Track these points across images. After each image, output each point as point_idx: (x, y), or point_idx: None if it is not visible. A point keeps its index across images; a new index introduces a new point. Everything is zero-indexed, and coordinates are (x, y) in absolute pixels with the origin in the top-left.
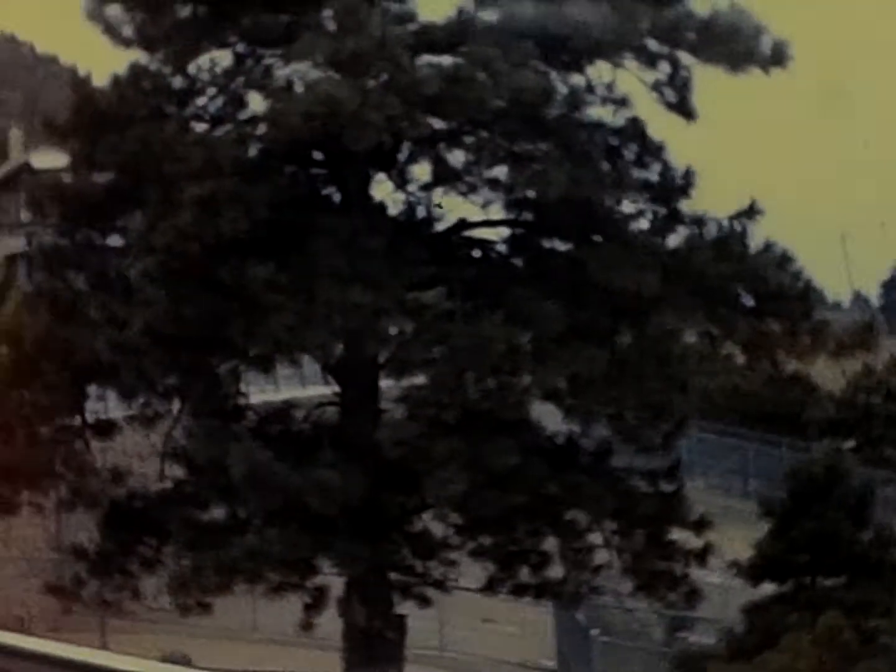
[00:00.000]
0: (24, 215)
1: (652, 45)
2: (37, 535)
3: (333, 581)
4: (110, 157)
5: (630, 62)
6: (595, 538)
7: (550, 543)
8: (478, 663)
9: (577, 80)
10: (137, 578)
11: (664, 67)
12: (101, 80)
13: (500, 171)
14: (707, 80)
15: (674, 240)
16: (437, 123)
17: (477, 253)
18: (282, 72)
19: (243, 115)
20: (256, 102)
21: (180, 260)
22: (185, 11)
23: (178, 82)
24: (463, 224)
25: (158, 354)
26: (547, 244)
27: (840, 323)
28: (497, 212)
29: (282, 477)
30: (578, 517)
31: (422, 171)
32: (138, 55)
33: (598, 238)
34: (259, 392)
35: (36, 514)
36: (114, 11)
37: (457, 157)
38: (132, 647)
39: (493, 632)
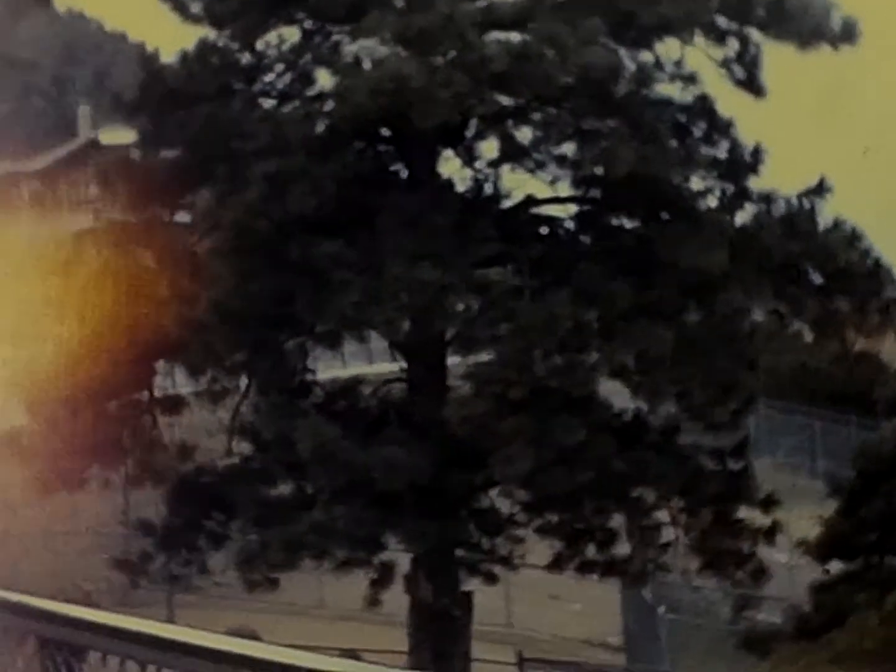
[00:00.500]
0: (93, 192)
1: (721, 21)
2: (105, 510)
3: (400, 557)
4: (178, 133)
5: (699, 39)
6: (662, 516)
7: (617, 521)
8: (544, 640)
9: (645, 56)
10: (204, 553)
11: (733, 44)
12: (169, 57)
13: (568, 148)
14: (776, 56)
15: (742, 217)
16: (505, 100)
17: (544, 230)
18: (350, 48)
19: (311, 92)
20: (324, 79)
21: (248, 236)
22: None
23: (246, 59)
24: (530, 201)
25: (226, 331)
26: (614, 221)
27: None
28: (565, 188)
29: (349, 453)
30: (645, 494)
31: (489, 147)
32: (207, 32)
33: (665, 215)
34: (326, 368)
35: (104, 489)
36: None
37: (524, 134)
38: (199, 622)
39: (560, 609)
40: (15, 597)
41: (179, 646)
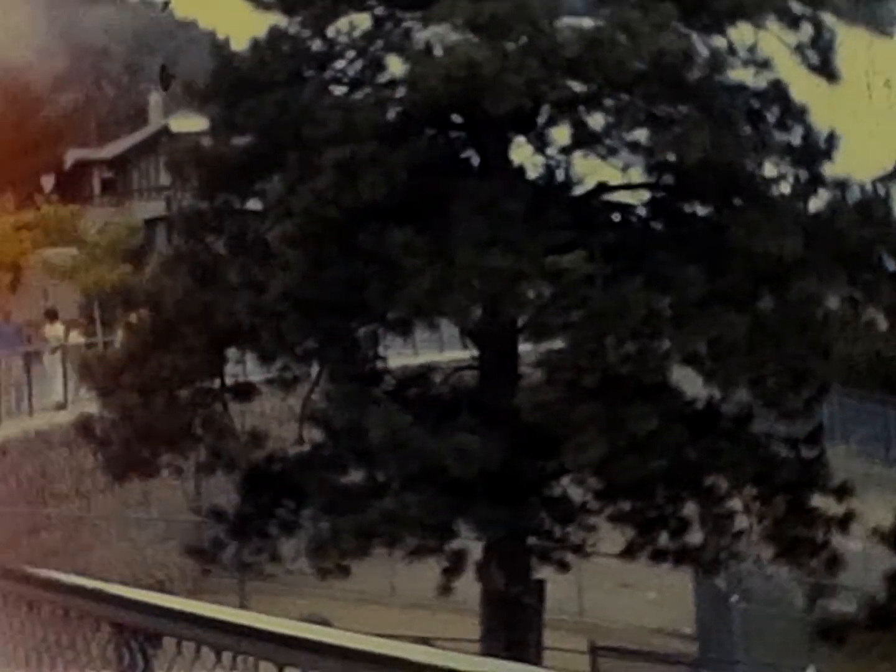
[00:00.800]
0: (164, 179)
1: (795, 6)
2: (176, 497)
3: (472, 545)
4: (249, 120)
5: (772, 24)
6: (735, 504)
7: (690, 509)
8: (617, 629)
9: (718, 42)
10: (276, 541)
11: (807, 29)
12: (239, 44)
13: (641, 134)
14: (851, 42)
15: (816, 203)
16: (577, 86)
17: (616, 217)
18: (421, 35)
19: (382, 79)
20: (395, 66)
21: (319, 224)
22: None
23: (317, 46)
24: (602, 187)
25: (297, 318)
26: (687, 208)
27: None
28: (637, 175)
29: (420, 441)
30: (719, 483)
31: (561, 134)
32: (277, 19)
33: (739, 202)
34: (397, 356)
35: (175, 477)
36: None
37: (596, 120)
38: (270, 609)
39: (633, 598)
40: (90, 583)
41: (255, 632)
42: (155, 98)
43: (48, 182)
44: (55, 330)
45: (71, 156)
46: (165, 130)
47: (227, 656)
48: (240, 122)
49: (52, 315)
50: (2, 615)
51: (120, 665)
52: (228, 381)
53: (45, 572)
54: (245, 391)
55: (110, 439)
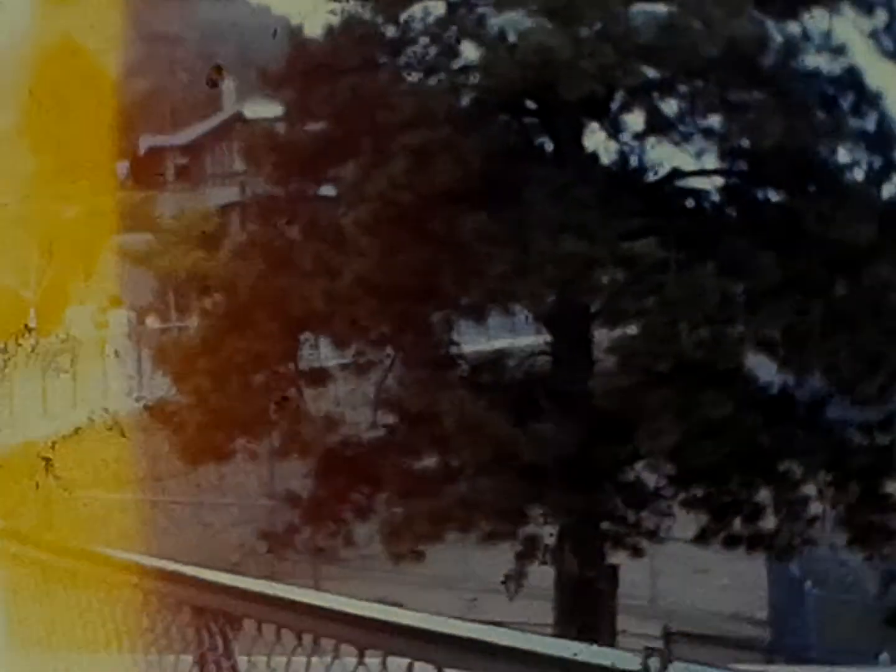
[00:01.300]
0: (238, 165)
1: None
2: (250, 481)
3: (545, 530)
4: (323, 106)
5: (847, 9)
6: (809, 490)
7: (764, 495)
8: (690, 615)
9: (792, 28)
10: (350, 526)
11: (882, 15)
12: (313, 30)
13: (715, 120)
14: None
15: (890, 189)
16: (651, 72)
17: (690, 203)
18: (495, 21)
19: (456, 65)
20: (469, 52)
21: (393, 209)
22: None
23: (390, 32)
24: (676, 173)
25: (371, 303)
26: (761, 194)
27: None
28: (711, 161)
29: (494, 426)
30: (792, 468)
31: (635, 120)
32: (352, 5)
33: (813, 188)
34: (470, 342)
35: (249, 461)
36: None
37: (670, 106)
38: (344, 593)
39: (706, 583)
40: (170, 566)
41: (336, 614)
42: (229, 84)
43: (122, 168)
44: (119, 316)
45: (145, 142)
46: (239, 116)
47: (308, 638)
48: (314, 108)
49: (114, 301)
50: (82, 597)
51: (200, 647)
52: (303, 365)
53: (125, 555)
54: (319, 376)
55: (185, 424)
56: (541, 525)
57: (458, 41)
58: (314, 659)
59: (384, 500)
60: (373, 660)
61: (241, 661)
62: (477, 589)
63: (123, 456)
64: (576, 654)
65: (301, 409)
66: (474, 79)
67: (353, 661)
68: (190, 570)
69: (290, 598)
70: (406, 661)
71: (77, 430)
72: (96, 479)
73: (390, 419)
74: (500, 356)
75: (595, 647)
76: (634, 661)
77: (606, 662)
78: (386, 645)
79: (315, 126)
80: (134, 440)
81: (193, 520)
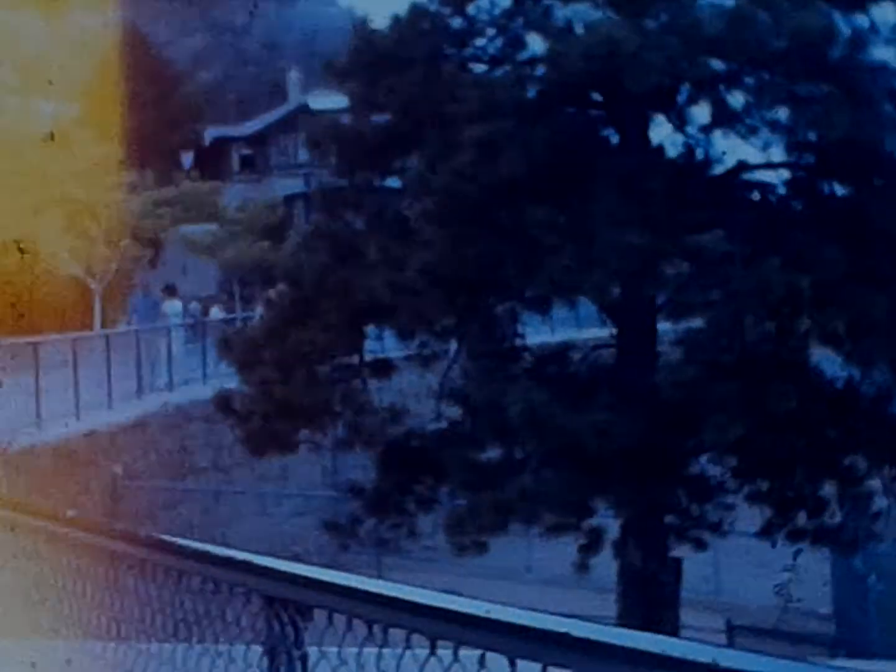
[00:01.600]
0: (302, 156)
1: None
2: (313, 472)
3: (609, 523)
4: (389, 98)
5: None
6: (874, 484)
7: (828, 489)
8: (753, 609)
9: (860, 20)
10: (414, 517)
11: None
12: (379, 21)
13: (781, 113)
14: None
15: None
16: (718, 64)
17: (756, 196)
18: (561, 12)
19: (522, 57)
20: (536, 43)
21: (458, 201)
22: None
23: (457, 23)
24: (742, 166)
25: (436, 295)
26: (827, 187)
27: None
28: (777, 154)
29: (559, 418)
30: (857, 463)
31: (701, 112)
32: None
33: (879, 182)
34: (534, 334)
35: (313, 453)
36: None
37: (736, 99)
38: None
39: (770, 577)
40: (240, 555)
41: (407, 604)
42: (294, 75)
43: (188, 159)
44: (173, 306)
45: (210, 133)
46: (304, 108)
47: (378, 628)
48: (380, 100)
49: (170, 291)
50: (152, 586)
51: (270, 637)
52: (367, 357)
53: (195, 544)
54: (384, 367)
55: (249, 414)
56: (604, 517)
57: (525, 33)
58: (385, 650)
59: (448, 492)
60: (445, 651)
61: (312, 651)
62: (539, 581)
63: (187, 445)
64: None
65: (365, 400)
66: (540, 70)
67: (424, 652)
68: (261, 560)
69: (362, 588)
70: (478, 651)
71: (142, 419)
72: (159, 468)
73: (454, 411)
74: (564, 348)
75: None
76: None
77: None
78: (458, 635)
79: (380, 117)
80: (198, 430)
81: (257, 510)
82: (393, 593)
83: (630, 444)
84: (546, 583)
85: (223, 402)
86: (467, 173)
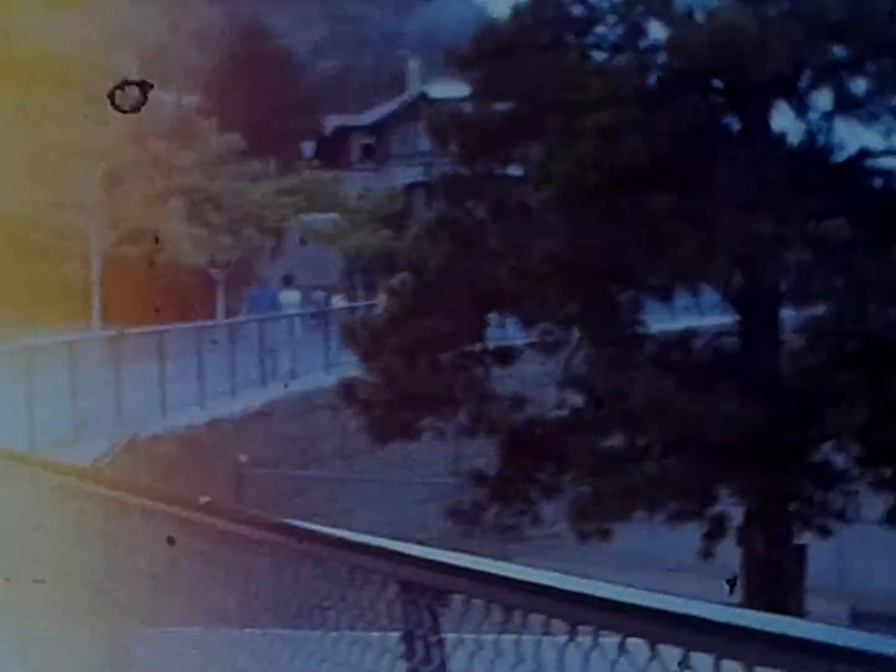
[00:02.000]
0: (422, 145)
1: None
2: (436, 460)
3: (732, 510)
4: (510, 86)
5: None
6: None
7: None
8: (878, 597)
9: None
10: (537, 504)
11: None
12: (498, 9)
13: None
14: None
15: None
16: (839, 50)
17: (878, 182)
18: (682, 0)
19: (643, 44)
20: (656, 30)
21: (581, 189)
22: None
23: (578, 11)
24: (864, 153)
25: (559, 283)
26: None
27: None
28: None
29: (682, 405)
30: None
31: (822, 98)
32: None
33: None
34: (656, 321)
35: (436, 440)
36: None
37: (858, 85)
38: None
39: (894, 564)
40: (376, 540)
41: (548, 590)
42: (413, 64)
43: (308, 148)
44: (291, 296)
45: (330, 122)
46: (423, 97)
47: (517, 614)
48: (501, 88)
49: (287, 281)
50: (288, 571)
51: (406, 623)
52: (489, 345)
53: (330, 530)
54: (506, 355)
55: (373, 402)
56: (728, 505)
57: (645, 20)
58: (523, 636)
59: (571, 479)
60: (583, 638)
61: (449, 637)
62: (662, 568)
63: (311, 433)
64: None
65: (488, 388)
66: (661, 58)
67: (563, 638)
68: (397, 545)
69: (500, 574)
70: (617, 638)
71: (266, 408)
72: (285, 456)
73: (577, 398)
74: (687, 336)
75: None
76: None
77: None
78: (598, 621)
79: (502, 105)
80: (321, 418)
81: (380, 498)
82: (532, 578)
83: (754, 431)
84: (669, 570)
85: (347, 391)
86: (589, 161)
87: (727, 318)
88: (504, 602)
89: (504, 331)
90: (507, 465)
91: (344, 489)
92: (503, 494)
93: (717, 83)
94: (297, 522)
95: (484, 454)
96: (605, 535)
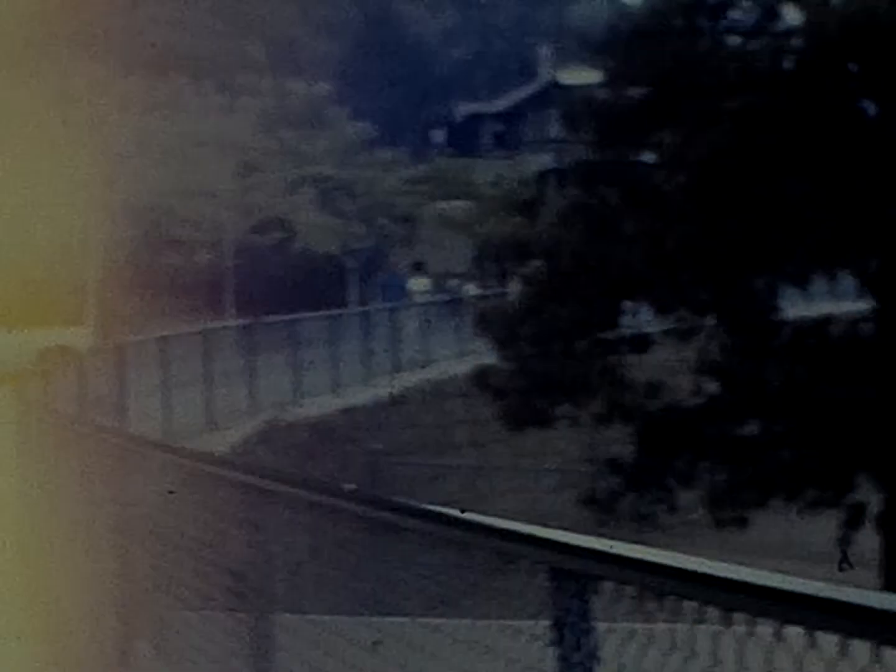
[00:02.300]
0: (554, 132)
1: None
2: (570, 448)
3: (871, 498)
4: (644, 72)
5: None
6: None
7: None
8: None
9: None
10: (673, 492)
11: None
12: None
13: None
14: None
15: None
16: None
17: None
18: None
19: (778, 28)
20: (791, 14)
21: (716, 175)
22: None
23: None
24: None
25: (693, 269)
26: None
27: None
28: None
29: (819, 392)
30: None
31: None
32: None
33: None
34: (791, 307)
35: (571, 427)
36: None
37: None
38: None
39: None
40: (525, 527)
41: (700, 576)
42: (544, 51)
43: (440, 135)
44: (421, 284)
45: (461, 109)
46: (555, 83)
47: (669, 602)
48: (635, 74)
49: (417, 268)
50: (435, 560)
51: (555, 610)
52: (624, 332)
53: (477, 516)
54: (641, 342)
55: (507, 390)
56: (868, 493)
57: (780, 4)
58: (676, 624)
59: (707, 467)
60: (738, 627)
61: (600, 625)
62: (799, 556)
63: (445, 421)
64: None
65: (623, 375)
66: (796, 42)
67: (715, 627)
68: (546, 532)
69: (652, 561)
70: (773, 626)
71: (399, 396)
72: (419, 444)
73: (713, 385)
74: (823, 322)
75: None
76: None
77: None
78: (753, 608)
79: (635, 91)
80: (455, 406)
81: (514, 485)
82: (685, 565)
83: (892, 418)
84: (807, 559)
85: (481, 378)
86: (724, 146)
87: (862, 304)
88: (657, 589)
89: (636, 318)
90: (644, 452)
91: (478, 477)
92: (639, 482)
93: (853, 66)
94: (445, 510)
95: (619, 442)
96: (742, 523)
